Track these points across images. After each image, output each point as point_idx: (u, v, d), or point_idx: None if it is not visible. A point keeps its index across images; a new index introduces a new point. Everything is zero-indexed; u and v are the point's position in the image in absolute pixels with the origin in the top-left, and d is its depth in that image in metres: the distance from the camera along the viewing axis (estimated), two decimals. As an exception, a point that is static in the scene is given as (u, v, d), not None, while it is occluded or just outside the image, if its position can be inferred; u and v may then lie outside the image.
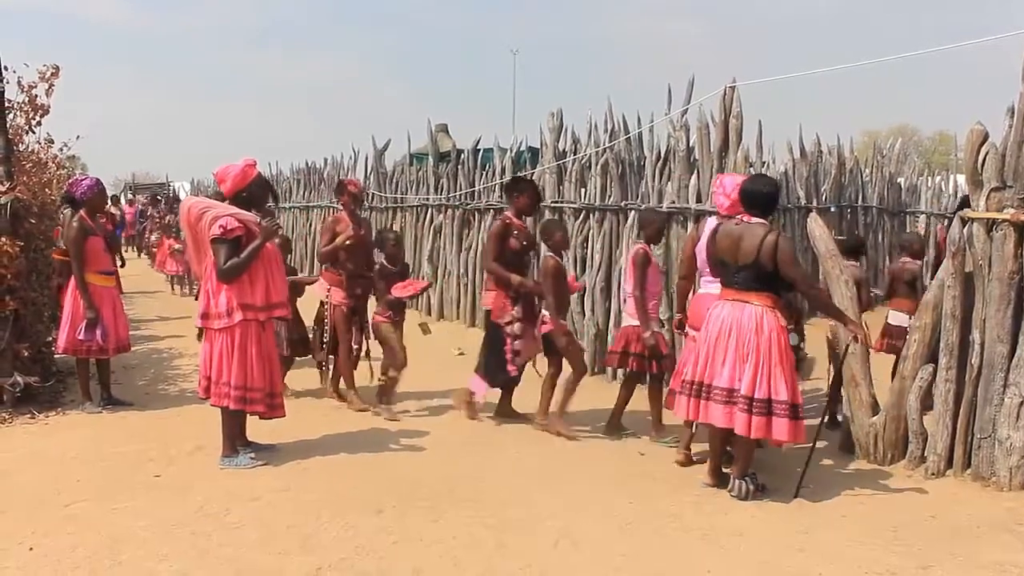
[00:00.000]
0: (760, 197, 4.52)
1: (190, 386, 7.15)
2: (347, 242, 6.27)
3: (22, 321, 6.26)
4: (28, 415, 6.00)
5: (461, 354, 5.54)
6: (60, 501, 4.31)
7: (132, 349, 7.19)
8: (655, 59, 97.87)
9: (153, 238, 17.44)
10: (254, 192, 5.01)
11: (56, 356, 6.80)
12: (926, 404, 5.02)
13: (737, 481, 4.50)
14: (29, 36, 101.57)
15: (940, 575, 3.62)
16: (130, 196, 19.81)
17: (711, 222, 5.16)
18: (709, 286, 5.04)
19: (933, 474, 4.84)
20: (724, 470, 4.73)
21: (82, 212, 6.16)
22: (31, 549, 3.72)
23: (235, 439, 4.98)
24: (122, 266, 8.69)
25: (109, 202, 9.83)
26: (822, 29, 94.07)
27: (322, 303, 6.56)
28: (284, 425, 5.17)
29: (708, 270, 5.01)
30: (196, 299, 9.49)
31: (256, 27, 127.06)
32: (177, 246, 13.48)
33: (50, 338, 6.66)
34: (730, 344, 4.40)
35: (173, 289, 14.62)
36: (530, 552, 3.77)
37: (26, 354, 6.22)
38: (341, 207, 6.61)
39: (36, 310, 6.41)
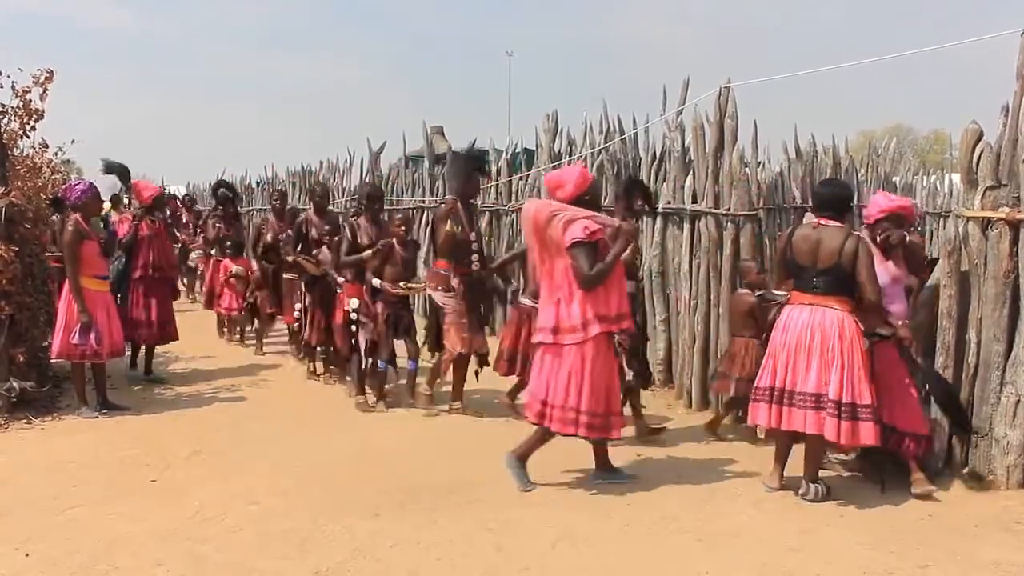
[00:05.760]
0: (832, 199, 4.55)
1: (186, 390, 7.14)
2: None
3: (17, 326, 6.24)
4: (24, 420, 5.99)
5: None
6: (56, 506, 4.31)
7: (127, 353, 7.19)
8: (651, 60, 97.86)
9: (193, 257, 12.34)
10: (595, 194, 4.81)
11: (51, 361, 6.78)
12: None
13: (812, 485, 4.50)
14: (25, 39, 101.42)
15: (938, 574, 3.63)
16: (182, 195, 17.50)
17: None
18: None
19: (931, 473, 4.84)
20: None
21: (77, 216, 6.16)
22: (27, 555, 3.71)
23: (607, 454, 4.79)
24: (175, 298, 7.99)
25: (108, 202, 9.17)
26: (818, 29, 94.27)
27: None
28: (281, 429, 5.15)
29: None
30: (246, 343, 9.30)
31: (256, 30, 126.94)
32: (235, 268, 9.36)
33: (46, 343, 6.64)
34: (814, 349, 4.37)
35: (225, 332, 9.99)
36: (529, 554, 3.77)
37: (22, 359, 6.20)
38: None
39: (32, 315, 6.39)
